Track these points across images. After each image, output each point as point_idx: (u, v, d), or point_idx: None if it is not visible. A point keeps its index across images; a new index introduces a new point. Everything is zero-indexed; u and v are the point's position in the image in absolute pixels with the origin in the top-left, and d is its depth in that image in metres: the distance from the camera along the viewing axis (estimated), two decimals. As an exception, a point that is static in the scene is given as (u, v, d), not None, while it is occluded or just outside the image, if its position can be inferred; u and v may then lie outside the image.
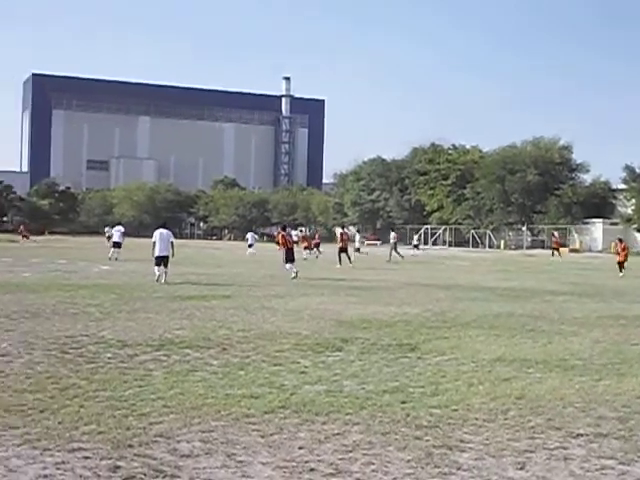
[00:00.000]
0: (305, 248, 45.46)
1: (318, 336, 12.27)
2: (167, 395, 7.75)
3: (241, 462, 5.75)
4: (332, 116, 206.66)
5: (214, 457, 5.85)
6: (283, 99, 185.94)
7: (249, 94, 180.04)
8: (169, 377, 8.68)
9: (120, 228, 41.39)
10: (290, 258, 27.71)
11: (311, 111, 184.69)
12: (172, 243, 24.22)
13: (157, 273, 23.58)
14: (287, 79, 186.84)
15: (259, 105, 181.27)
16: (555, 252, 58.57)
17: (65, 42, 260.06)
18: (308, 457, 5.93)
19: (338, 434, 6.57)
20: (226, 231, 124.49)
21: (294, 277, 25.97)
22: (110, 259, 36.33)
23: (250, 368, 9.40)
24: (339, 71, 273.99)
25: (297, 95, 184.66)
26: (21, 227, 75.42)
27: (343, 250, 36.24)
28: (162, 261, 23.65)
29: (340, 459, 5.90)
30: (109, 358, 9.83)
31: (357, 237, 54.13)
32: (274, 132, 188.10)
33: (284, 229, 30.84)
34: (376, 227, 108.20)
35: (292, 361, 9.98)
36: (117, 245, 39.00)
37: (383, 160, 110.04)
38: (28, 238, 67.56)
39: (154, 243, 24.11)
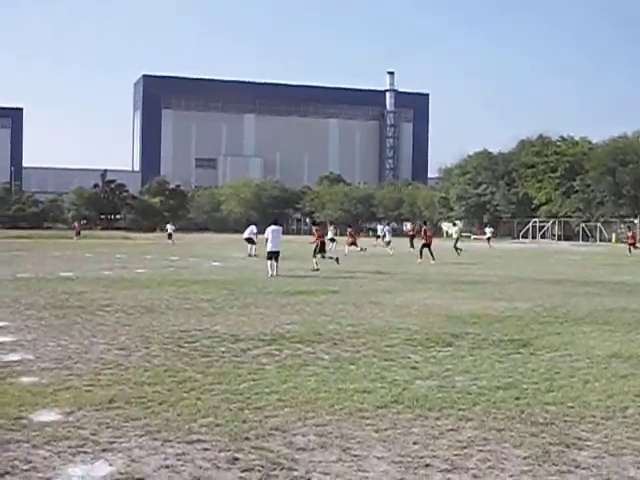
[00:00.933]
0: (351, 244, 45.31)
1: (428, 331, 12.21)
2: (281, 389, 7.86)
3: (356, 456, 5.78)
4: (437, 110, 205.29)
5: (329, 451, 5.90)
6: (387, 94, 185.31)
7: (353, 90, 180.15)
8: (282, 371, 8.80)
9: (253, 228, 39.98)
10: (322, 249, 29.62)
11: (415, 105, 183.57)
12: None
13: (269, 268, 24.16)
14: (391, 74, 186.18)
15: (363, 100, 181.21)
16: (632, 247, 50.49)
17: (174, 43, 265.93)
18: (423, 452, 5.91)
19: (452, 430, 6.54)
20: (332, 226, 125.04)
21: (316, 269, 27.08)
22: (250, 255, 36.51)
23: (361, 363, 9.44)
24: (444, 64, 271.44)
25: (401, 89, 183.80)
26: (75, 224, 71.27)
27: (426, 245, 35.81)
28: (274, 256, 24.43)
29: (455, 455, 5.87)
30: (223, 352, 10.02)
31: (387, 230, 53.40)
32: (379, 127, 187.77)
33: (316, 224, 33.30)
34: (483, 221, 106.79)
35: (403, 356, 9.97)
36: (251, 241, 38.47)
37: (489, 153, 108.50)
38: (79, 235, 64.13)
39: (266, 239, 25.07)
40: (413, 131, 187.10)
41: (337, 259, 29.93)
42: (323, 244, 29.18)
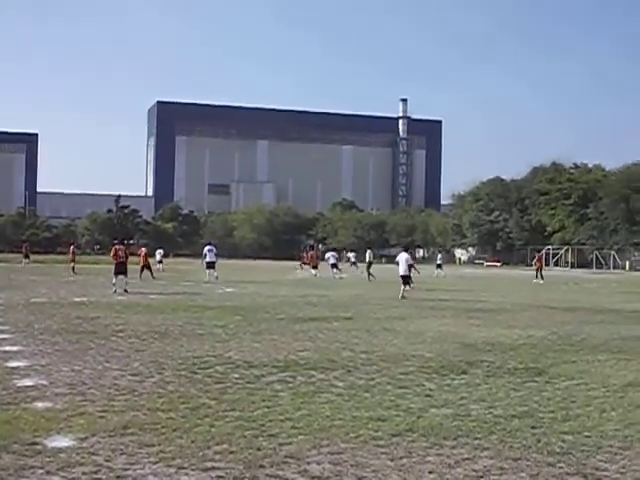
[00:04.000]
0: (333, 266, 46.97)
1: (442, 359, 12.15)
2: (295, 416, 7.82)
3: (372, 485, 5.74)
4: (450, 137, 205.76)
5: None
6: (400, 121, 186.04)
7: (366, 116, 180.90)
8: (296, 398, 8.76)
9: (212, 247, 40.00)
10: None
11: (428, 132, 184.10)
12: None
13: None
14: (404, 101, 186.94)
15: (377, 127, 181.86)
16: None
17: (188, 70, 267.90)
18: (439, 482, 5.87)
19: (468, 459, 6.48)
20: (344, 252, 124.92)
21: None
22: (208, 282, 36.13)
23: (375, 390, 9.39)
24: (456, 92, 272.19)
25: (414, 117, 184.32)
26: (24, 246, 64.55)
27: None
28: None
29: (471, 484, 5.82)
30: (237, 379, 9.99)
31: (351, 255, 54.92)
32: (392, 154, 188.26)
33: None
34: (495, 248, 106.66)
35: (417, 384, 9.91)
36: (211, 265, 38.39)
37: (502, 180, 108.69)
38: (28, 258, 60.66)
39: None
40: (426, 158, 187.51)
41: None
42: (120, 265, 28.59)
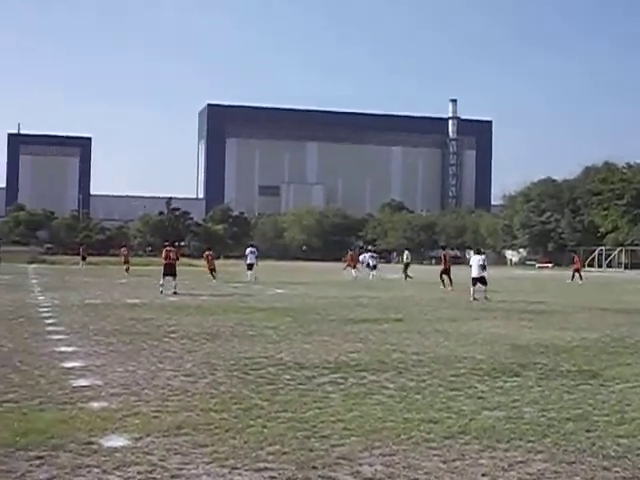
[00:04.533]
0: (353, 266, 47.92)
1: (494, 361, 12.06)
2: (346, 417, 7.83)
3: (424, 487, 5.73)
4: (500, 137, 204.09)
5: (397, 481, 5.86)
6: (450, 121, 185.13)
7: (416, 117, 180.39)
8: (347, 400, 8.76)
9: (253, 250, 41.48)
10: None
11: (478, 132, 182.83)
12: None
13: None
14: (454, 101, 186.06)
15: (426, 128, 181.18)
16: None
17: (237, 73, 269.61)
18: (492, 484, 5.83)
19: (521, 462, 6.43)
20: (394, 254, 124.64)
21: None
22: (248, 282, 37.24)
23: (427, 392, 9.36)
24: (507, 91, 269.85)
25: (464, 117, 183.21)
26: (81, 248, 65.53)
27: (445, 271, 35.32)
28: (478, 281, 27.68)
29: (525, 488, 5.77)
30: (288, 380, 10.03)
31: (367, 256, 52.13)
32: (441, 154, 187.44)
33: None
34: (547, 249, 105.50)
35: (468, 386, 9.85)
36: (250, 267, 39.93)
37: (554, 181, 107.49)
38: (84, 260, 61.38)
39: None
40: (476, 158, 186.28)
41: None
42: (169, 266, 28.93)
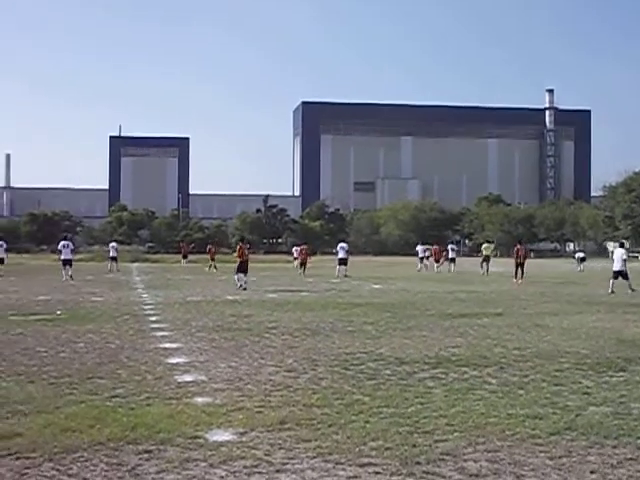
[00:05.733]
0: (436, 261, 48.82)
1: (598, 355, 11.80)
2: (449, 413, 7.78)
3: (531, 484, 5.64)
4: (599, 126, 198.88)
5: (502, 478, 5.77)
6: (547, 112, 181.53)
7: (511, 109, 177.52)
8: (449, 395, 8.71)
9: (343, 245, 42.68)
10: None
11: (577, 123, 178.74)
12: None
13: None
14: (550, 91, 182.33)
15: (522, 119, 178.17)
16: None
17: (330, 69, 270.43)
18: (601, 482, 5.71)
19: (631, 459, 6.27)
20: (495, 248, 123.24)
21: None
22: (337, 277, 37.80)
23: (530, 387, 9.22)
24: (605, 79, 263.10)
25: (561, 107, 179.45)
26: (182, 244, 68.27)
27: (519, 265, 35.95)
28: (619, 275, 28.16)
29: (636, 485, 5.63)
30: (389, 375, 10.02)
31: (420, 248, 52.91)
32: (538, 146, 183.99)
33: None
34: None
35: (573, 381, 9.66)
36: (342, 262, 40.81)
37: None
38: (186, 258, 62.34)
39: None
40: (574, 149, 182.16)
41: None
42: (244, 263, 29.28)
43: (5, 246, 41.68)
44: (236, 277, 29.26)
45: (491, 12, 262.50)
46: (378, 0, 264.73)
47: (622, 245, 31.18)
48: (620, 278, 27.91)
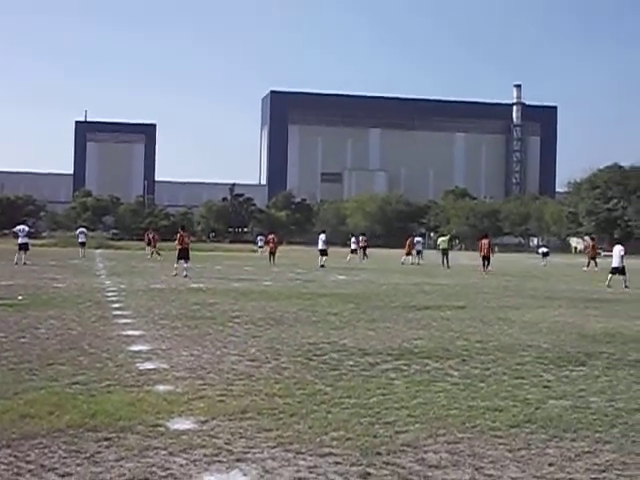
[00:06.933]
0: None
1: (559, 349, 11.91)
2: (410, 404, 7.81)
3: (490, 476, 5.67)
4: (565, 123, 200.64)
5: (462, 469, 5.81)
6: (514, 107, 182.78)
7: (479, 103, 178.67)
8: (411, 386, 8.74)
9: (323, 236, 43.62)
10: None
11: (543, 118, 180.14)
12: None
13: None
14: (518, 86, 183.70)
15: (490, 114, 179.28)
16: None
17: (299, 59, 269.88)
18: (559, 475, 5.74)
19: (589, 452, 6.34)
20: (457, 241, 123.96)
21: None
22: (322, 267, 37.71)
23: (491, 380, 9.28)
24: (572, 75, 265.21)
25: (528, 102, 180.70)
26: (149, 235, 54.82)
27: (484, 258, 38.89)
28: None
29: (593, 479, 5.69)
30: (351, 366, 10.04)
31: (353, 239, 55.87)
32: (505, 141, 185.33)
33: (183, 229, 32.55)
34: (613, 237, 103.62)
35: (534, 374, 9.75)
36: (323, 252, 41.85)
37: (621, 167, 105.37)
38: (150, 245, 52.39)
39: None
40: (540, 145, 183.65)
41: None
42: (184, 251, 30.09)
43: None
44: (175, 265, 29.71)
45: (461, 7, 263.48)
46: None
47: (620, 242, 32.26)
48: (618, 274, 28.83)
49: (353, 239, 54.90)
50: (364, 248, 53.38)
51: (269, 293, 21.89)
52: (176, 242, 31.47)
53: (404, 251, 50.20)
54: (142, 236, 70.52)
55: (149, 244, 51.58)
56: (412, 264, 46.40)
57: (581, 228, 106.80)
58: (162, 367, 9.59)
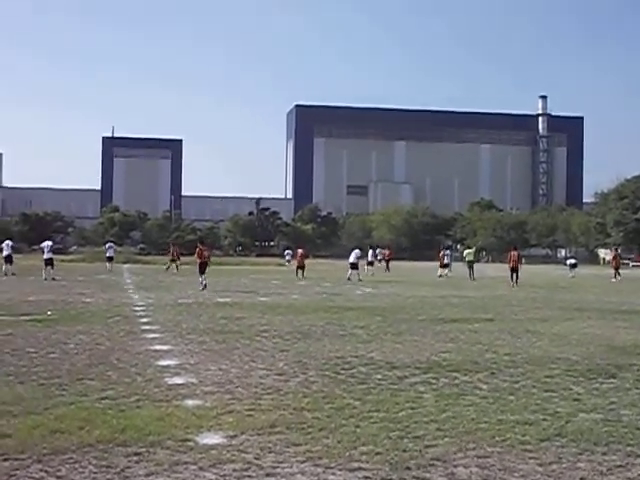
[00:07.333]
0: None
1: (589, 362, 11.81)
2: (439, 418, 7.78)
3: (521, 490, 5.64)
4: (592, 133, 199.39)
5: (492, 483, 5.78)
6: (540, 118, 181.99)
7: (504, 114, 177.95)
8: (440, 400, 8.70)
9: (357, 250, 42.75)
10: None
11: (569, 129, 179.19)
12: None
13: None
14: (544, 97, 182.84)
15: (515, 125, 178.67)
16: None
17: (324, 73, 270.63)
18: (591, 488, 5.70)
19: (621, 466, 6.27)
20: (484, 253, 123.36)
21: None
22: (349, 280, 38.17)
23: (520, 393, 9.22)
24: (599, 86, 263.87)
25: (554, 113, 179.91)
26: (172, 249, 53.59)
27: (513, 270, 38.13)
28: None
29: (625, 493, 5.63)
30: (379, 379, 10.01)
31: (370, 252, 54.14)
32: (531, 152, 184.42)
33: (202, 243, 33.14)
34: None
35: (564, 387, 9.67)
36: (353, 266, 40.75)
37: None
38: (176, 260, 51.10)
39: None
40: (567, 155, 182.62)
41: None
42: (203, 265, 30.57)
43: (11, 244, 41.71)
44: (200, 279, 30.04)
45: (486, 18, 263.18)
46: (371, 8, 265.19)
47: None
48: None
49: (370, 252, 54.21)
50: (387, 261, 53.06)
51: (296, 307, 21.89)
52: (195, 256, 31.79)
53: (437, 264, 49.92)
54: (167, 251, 70.43)
55: (173, 260, 51.29)
56: (440, 277, 46.17)
57: (609, 239, 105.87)
58: (190, 382, 9.61)
